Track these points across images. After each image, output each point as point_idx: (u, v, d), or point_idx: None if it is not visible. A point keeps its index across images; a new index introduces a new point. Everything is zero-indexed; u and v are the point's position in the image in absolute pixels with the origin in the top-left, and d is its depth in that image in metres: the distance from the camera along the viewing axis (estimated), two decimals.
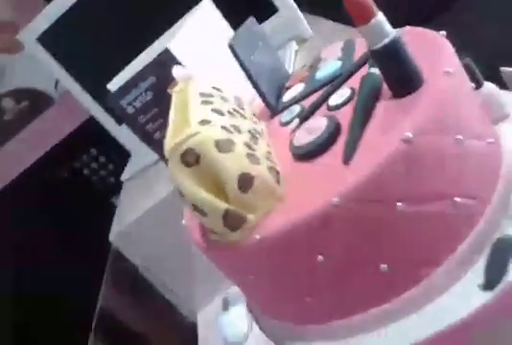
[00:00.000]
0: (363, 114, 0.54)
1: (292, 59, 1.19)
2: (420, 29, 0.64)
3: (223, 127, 0.56)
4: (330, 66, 0.71)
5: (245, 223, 0.54)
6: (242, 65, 0.71)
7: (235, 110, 0.64)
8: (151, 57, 1.00)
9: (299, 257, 0.51)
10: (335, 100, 0.61)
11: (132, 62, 1.08)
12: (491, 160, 0.55)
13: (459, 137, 0.50)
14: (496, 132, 0.59)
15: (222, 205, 0.53)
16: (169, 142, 0.54)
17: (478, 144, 0.53)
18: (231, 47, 0.70)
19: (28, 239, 1.64)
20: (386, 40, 0.49)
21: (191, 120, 0.55)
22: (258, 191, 0.53)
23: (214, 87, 0.68)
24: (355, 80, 0.60)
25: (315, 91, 0.68)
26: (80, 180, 1.79)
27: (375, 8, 0.49)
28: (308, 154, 0.56)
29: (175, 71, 0.84)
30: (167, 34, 1.13)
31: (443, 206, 0.50)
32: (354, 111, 0.55)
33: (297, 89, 0.72)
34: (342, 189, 0.48)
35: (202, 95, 0.65)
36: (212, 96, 0.64)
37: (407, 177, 0.48)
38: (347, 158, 0.51)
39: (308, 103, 0.66)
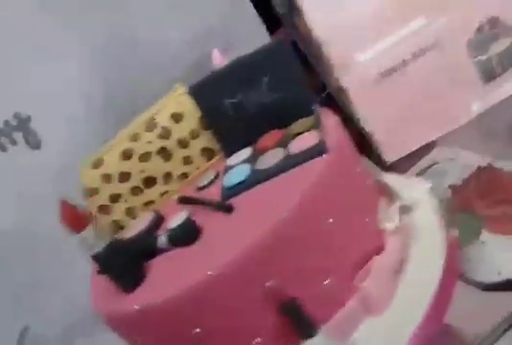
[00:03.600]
0: None
1: None
2: None
3: (103, 176, 0.67)
4: (239, 173, 0.57)
5: None
6: (202, 111, 0.62)
7: (162, 150, 0.65)
8: None
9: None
10: None
11: None
12: None
13: None
14: None
15: None
16: None
17: None
18: (190, 92, 0.60)
19: None
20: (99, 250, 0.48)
21: (97, 155, 0.68)
22: None
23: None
24: None
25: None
26: None
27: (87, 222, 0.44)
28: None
29: (215, 55, 0.70)
30: None
31: None
32: None
33: (245, 154, 0.62)
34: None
35: (147, 123, 0.66)
36: (151, 131, 0.66)
37: None
38: None
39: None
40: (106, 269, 0.50)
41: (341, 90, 0.80)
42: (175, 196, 0.67)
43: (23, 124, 0.93)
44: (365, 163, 0.68)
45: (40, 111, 0.93)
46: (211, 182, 0.65)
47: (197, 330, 0.47)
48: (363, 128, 0.83)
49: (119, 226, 0.71)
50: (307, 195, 0.49)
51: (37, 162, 0.93)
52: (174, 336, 0.50)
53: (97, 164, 0.70)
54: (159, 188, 0.70)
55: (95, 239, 0.49)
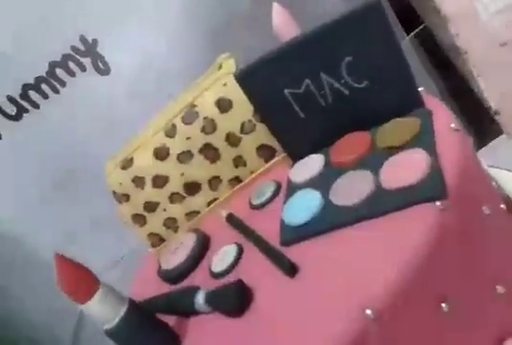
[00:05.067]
0: None
1: None
2: None
3: (134, 179, 0.52)
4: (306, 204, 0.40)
5: None
6: (254, 104, 0.44)
7: (206, 149, 0.50)
8: None
9: None
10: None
11: None
12: None
13: None
14: None
15: None
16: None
17: None
18: (237, 79, 0.41)
19: None
20: (114, 322, 0.35)
21: (124, 153, 0.54)
22: None
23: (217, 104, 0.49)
24: None
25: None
26: None
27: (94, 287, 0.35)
28: (173, 280, 0.48)
29: (275, 9, 0.47)
30: None
31: None
32: None
33: (314, 168, 0.44)
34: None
35: (186, 113, 0.49)
36: (190, 123, 0.50)
37: None
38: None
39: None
40: (124, 344, 0.39)
41: (458, 52, 0.58)
42: (225, 212, 0.54)
43: (90, 48, 0.86)
44: (492, 175, 0.48)
45: (107, 34, 0.87)
46: (269, 200, 0.49)
47: None
48: (486, 104, 0.61)
49: (158, 239, 0.60)
50: (410, 271, 0.32)
51: (106, 88, 0.89)
52: None
53: (126, 164, 0.56)
54: (205, 195, 0.55)
55: (104, 311, 0.37)
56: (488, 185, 0.43)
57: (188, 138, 0.52)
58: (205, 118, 0.52)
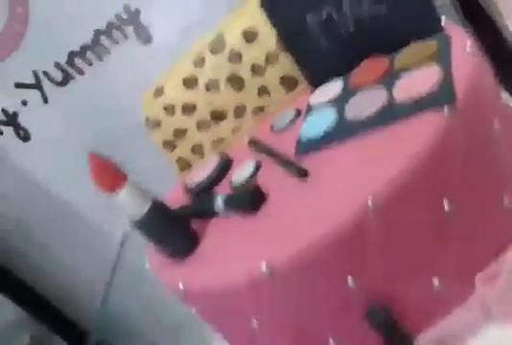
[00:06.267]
0: None
1: None
2: None
3: (166, 107, 0.56)
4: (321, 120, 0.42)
5: None
6: (278, 31, 0.45)
7: (232, 78, 0.53)
8: None
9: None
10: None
11: None
12: None
13: None
14: None
15: None
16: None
17: None
18: (262, 5, 0.43)
19: None
20: (140, 216, 0.40)
21: (159, 81, 0.57)
22: None
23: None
24: None
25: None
26: None
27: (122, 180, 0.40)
28: (197, 194, 0.51)
29: None
30: None
31: None
32: None
33: (333, 91, 0.46)
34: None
35: (214, 40, 0.51)
36: (218, 52, 0.53)
37: None
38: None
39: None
40: (149, 236, 0.43)
41: None
42: (247, 137, 0.57)
43: (133, 17, 0.90)
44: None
45: (149, 4, 0.88)
46: (289, 124, 0.52)
47: (254, 324, 0.39)
48: None
49: (186, 164, 0.64)
50: (413, 167, 0.34)
51: (148, 56, 0.89)
52: (227, 324, 0.44)
53: (158, 92, 0.59)
54: (230, 123, 0.58)
55: (132, 200, 0.42)
56: (502, 104, 0.44)
57: (215, 67, 0.55)
58: (232, 48, 0.54)
